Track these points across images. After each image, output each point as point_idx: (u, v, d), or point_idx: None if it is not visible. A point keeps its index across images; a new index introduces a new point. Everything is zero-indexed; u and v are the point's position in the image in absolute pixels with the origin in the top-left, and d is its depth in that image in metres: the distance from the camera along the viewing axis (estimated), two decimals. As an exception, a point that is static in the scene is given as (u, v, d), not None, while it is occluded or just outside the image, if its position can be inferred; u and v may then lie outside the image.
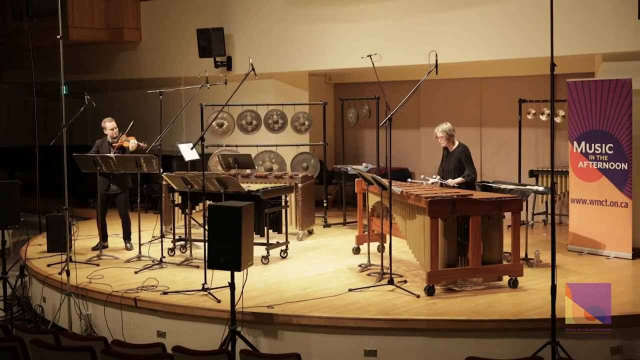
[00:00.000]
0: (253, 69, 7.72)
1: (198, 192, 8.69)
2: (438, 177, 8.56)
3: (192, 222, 9.32)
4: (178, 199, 9.52)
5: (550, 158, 5.96)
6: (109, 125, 9.37)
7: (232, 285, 6.37)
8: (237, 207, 6.29)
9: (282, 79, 12.44)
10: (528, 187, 8.61)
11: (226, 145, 11.74)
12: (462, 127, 11.72)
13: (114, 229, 9.93)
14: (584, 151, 9.02)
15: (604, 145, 8.83)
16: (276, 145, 11.57)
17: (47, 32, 10.66)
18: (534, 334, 6.26)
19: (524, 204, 8.21)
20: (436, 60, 7.43)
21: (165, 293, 7.39)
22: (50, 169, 13.05)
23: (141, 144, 9.19)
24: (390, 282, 7.46)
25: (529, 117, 10.98)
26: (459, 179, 8.35)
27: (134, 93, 14.46)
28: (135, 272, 8.29)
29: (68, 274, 7.55)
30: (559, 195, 10.64)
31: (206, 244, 6.85)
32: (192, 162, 10.85)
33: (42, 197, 10.66)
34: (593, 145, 8.93)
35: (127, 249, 9.53)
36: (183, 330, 7.05)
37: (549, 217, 8.87)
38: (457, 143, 8.53)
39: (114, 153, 9.08)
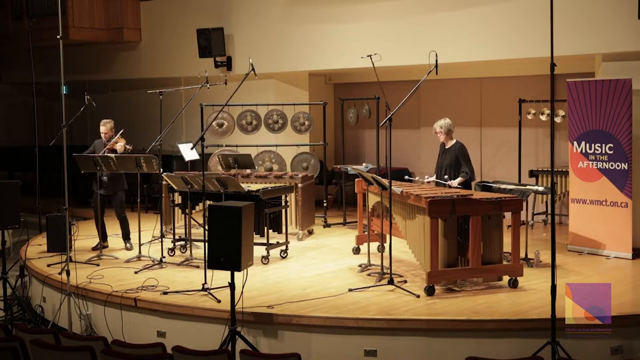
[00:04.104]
0: (253, 69, 7.73)
1: (198, 192, 8.70)
2: (434, 177, 8.61)
3: (192, 222, 9.32)
4: (178, 199, 9.51)
5: (550, 158, 5.96)
6: (103, 129, 9.38)
7: (232, 285, 6.37)
8: (237, 207, 6.28)
9: (282, 79, 12.44)
10: (528, 187, 8.61)
11: (226, 145, 11.74)
12: (462, 127, 11.71)
13: (114, 229, 9.93)
14: (584, 151, 9.01)
15: (604, 145, 8.83)
16: (276, 145, 11.57)
17: (47, 32, 10.65)
18: (534, 334, 6.26)
19: (524, 204, 8.21)
20: (436, 60, 7.44)
21: (165, 293, 7.39)
22: (50, 169, 13.05)
23: (127, 147, 9.16)
24: (390, 282, 7.46)
25: (529, 117, 10.99)
26: (459, 179, 8.36)
27: (134, 93, 14.47)
28: (135, 272, 8.29)
29: (68, 274, 7.55)
30: (559, 195, 10.64)
31: (206, 244, 6.85)
32: (192, 162, 10.85)
33: (42, 197, 10.65)
34: (593, 145, 8.93)
35: (127, 249, 9.53)
36: (183, 330, 7.05)
37: (549, 217, 8.87)
38: (454, 140, 8.55)
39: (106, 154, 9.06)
